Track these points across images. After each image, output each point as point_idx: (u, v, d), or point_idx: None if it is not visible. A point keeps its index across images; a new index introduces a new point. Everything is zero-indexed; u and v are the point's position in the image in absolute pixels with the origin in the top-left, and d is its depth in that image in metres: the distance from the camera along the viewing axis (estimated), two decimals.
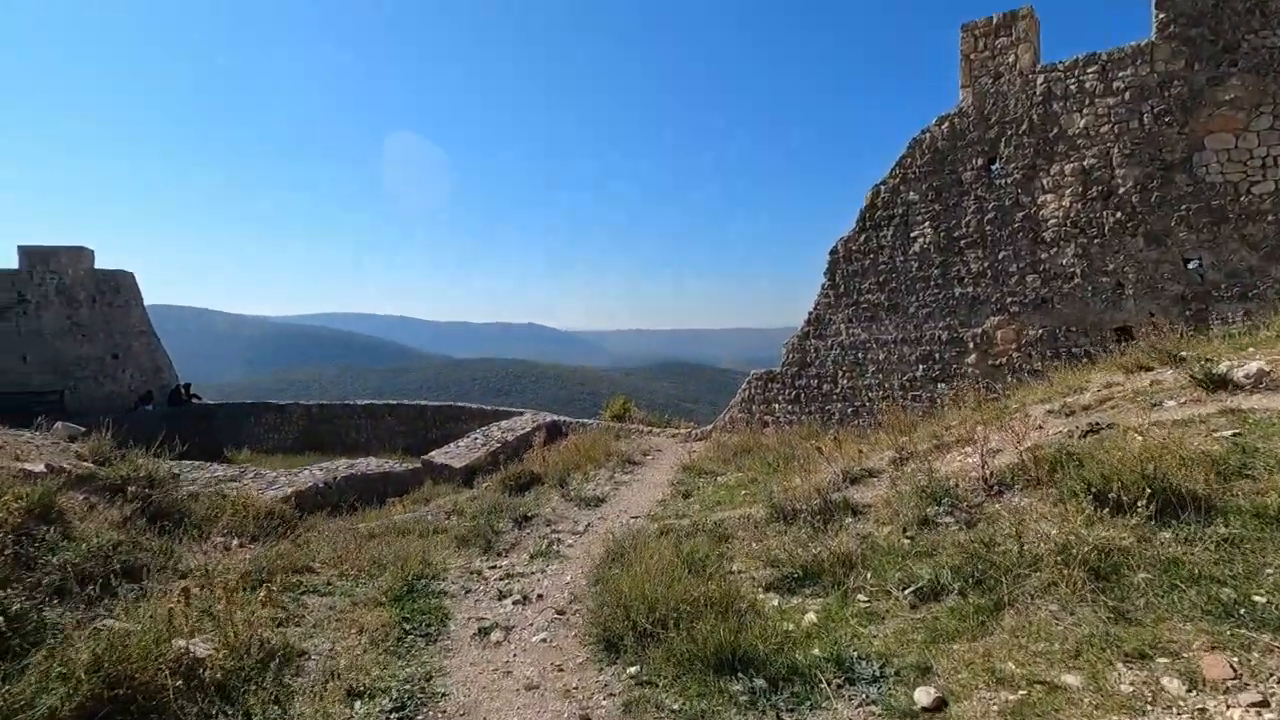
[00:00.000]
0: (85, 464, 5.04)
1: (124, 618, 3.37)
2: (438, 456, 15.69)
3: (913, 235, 12.23)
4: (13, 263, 23.29)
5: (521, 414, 19.60)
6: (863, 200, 12.86)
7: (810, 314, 13.48)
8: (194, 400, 24.55)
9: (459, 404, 20.62)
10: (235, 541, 5.19)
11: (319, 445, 21.93)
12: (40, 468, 4.69)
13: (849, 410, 12.95)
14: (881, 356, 12.56)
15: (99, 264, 24.36)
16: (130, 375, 24.03)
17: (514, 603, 4.79)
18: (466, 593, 5.07)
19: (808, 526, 5.00)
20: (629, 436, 13.92)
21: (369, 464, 13.49)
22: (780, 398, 13.91)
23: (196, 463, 13.47)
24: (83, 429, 5.74)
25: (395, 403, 21.36)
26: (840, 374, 13.07)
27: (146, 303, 25.25)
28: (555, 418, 18.91)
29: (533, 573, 5.47)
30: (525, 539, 6.75)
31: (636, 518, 6.88)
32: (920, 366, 12.15)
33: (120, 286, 24.25)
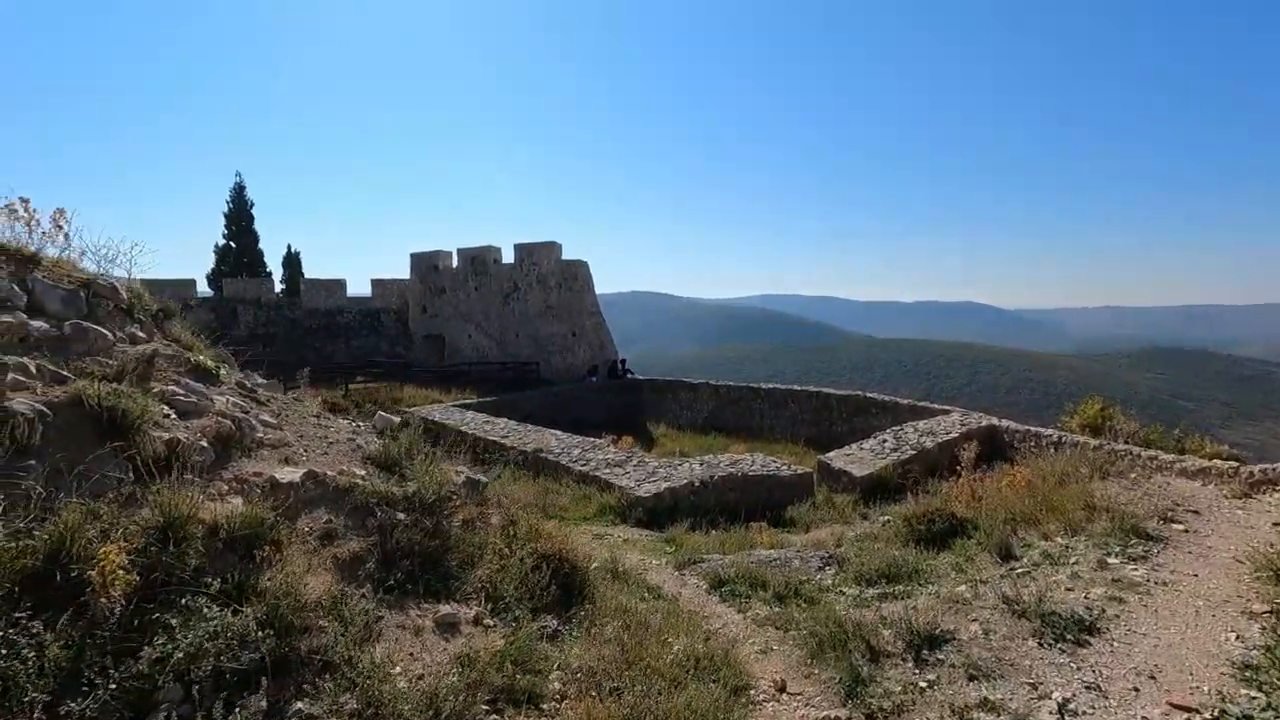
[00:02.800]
0: (355, 474, 4.00)
1: None
2: (836, 459, 13.13)
3: None
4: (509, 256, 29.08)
5: (947, 413, 15.57)
6: None
7: None
8: (628, 375, 27.11)
9: (869, 395, 17.63)
10: (474, 611, 3.66)
11: (724, 426, 21.59)
12: (296, 476, 3.75)
13: None
14: None
15: (564, 256, 28.69)
16: (583, 350, 27.76)
17: None
18: None
19: None
20: (1121, 469, 9.01)
21: (753, 462, 11.76)
22: None
23: (594, 441, 13.77)
24: (397, 419, 4.90)
25: (799, 389, 19.53)
26: None
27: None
28: (994, 421, 14.39)
29: None
30: (923, 699, 3.66)
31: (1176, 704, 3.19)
32: None
33: (577, 274, 28.12)
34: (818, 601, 5.52)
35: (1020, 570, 5.16)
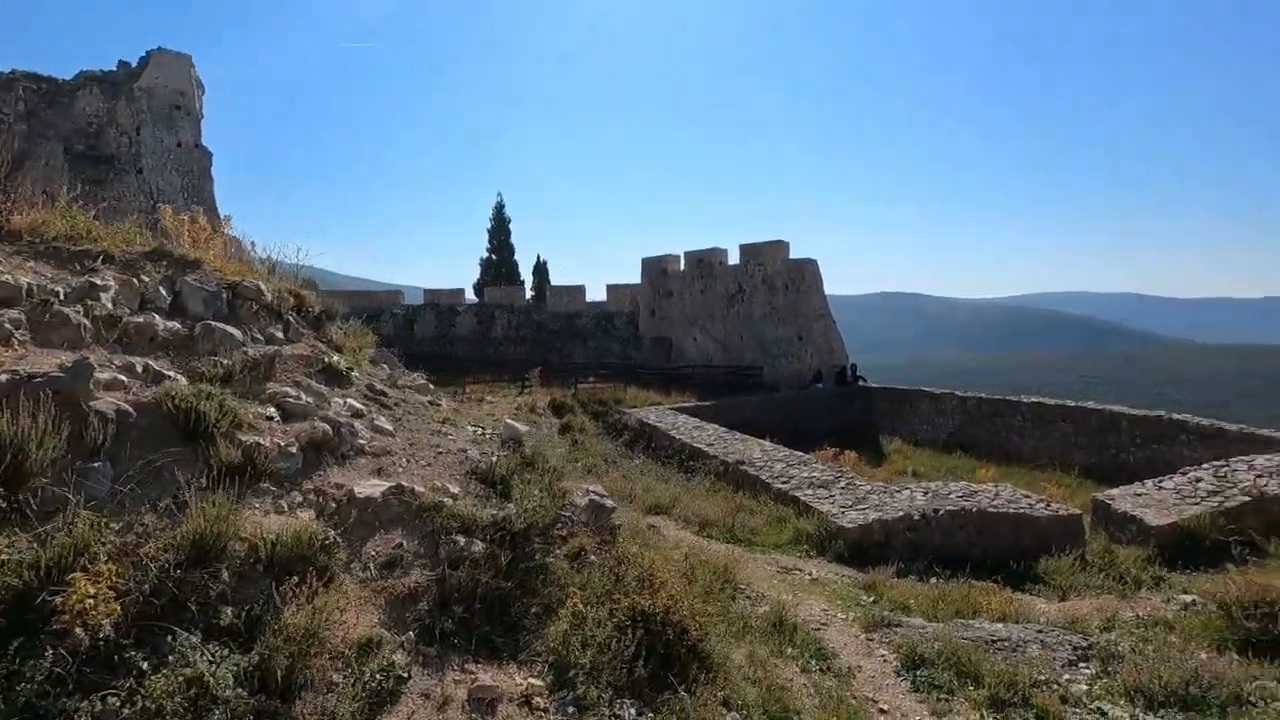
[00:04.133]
0: (448, 490, 3.59)
1: None
2: (1121, 499, 10.15)
3: None
4: (734, 257, 28.40)
5: None
6: None
7: None
8: (860, 381, 24.74)
9: (1175, 416, 13.51)
10: (527, 683, 2.88)
11: (972, 446, 18.46)
12: (378, 491, 3.42)
13: None
14: None
15: (791, 255, 27.21)
16: (810, 354, 25.99)
17: None
18: None
19: None
20: None
21: (996, 495, 9.46)
22: None
23: (801, 456, 12.37)
24: (525, 428, 4.43)
25: (1072, 404, 15.77)
26: None
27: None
28: None
29: None
30: None
31: None
32: None
33: (805, 274, 26.43)
34: None
35: None
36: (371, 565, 3.26)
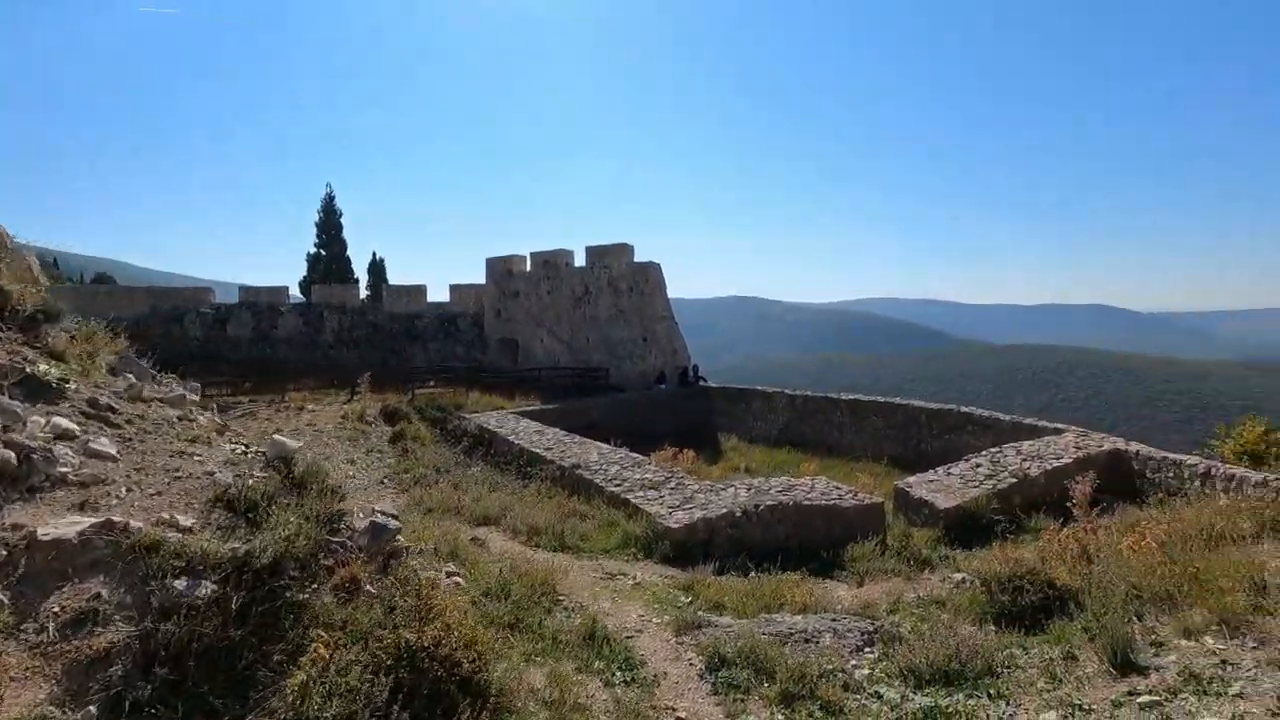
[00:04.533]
0: (177, 523, 2.98)
1: None
2: (917, 486, 11.21)
3: None
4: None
5: (1059, 433, 13.11)
6: None
7: None
8: (701, 381, 25.63)
9: (965, 409, 15.30)
10: None
11: (800, 441, 19.71)
12: (73, 532, 2.78)
13: None
14: None
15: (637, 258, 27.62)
16: (654, 355, 26.53)
17: None
18: None
19: None
20: None
21: (811, 488, 10.06)
22: None
23: (636, 458, 12.47)
24: (296, 444, 3.84)
25: (883, 400, 17.34)
26: None
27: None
28: (1119, 445, 11.90)
29: None
30: None
31: None
32: None
33: (649, 277, 26.94)
34: (840, 711, 3.98)
35: (1146, 699, 3.40)
36: (51, 625, 2.62)
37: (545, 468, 12.45)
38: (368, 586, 3.67)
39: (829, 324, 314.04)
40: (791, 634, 5.10)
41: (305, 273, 33.89)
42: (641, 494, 9.92)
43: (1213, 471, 9.91)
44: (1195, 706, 3.23)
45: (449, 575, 5.28)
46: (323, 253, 33.91)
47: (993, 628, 5.10)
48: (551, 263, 29.07)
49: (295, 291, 31.92)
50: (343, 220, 34.21)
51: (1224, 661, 3.65)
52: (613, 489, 10.36)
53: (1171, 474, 10.59)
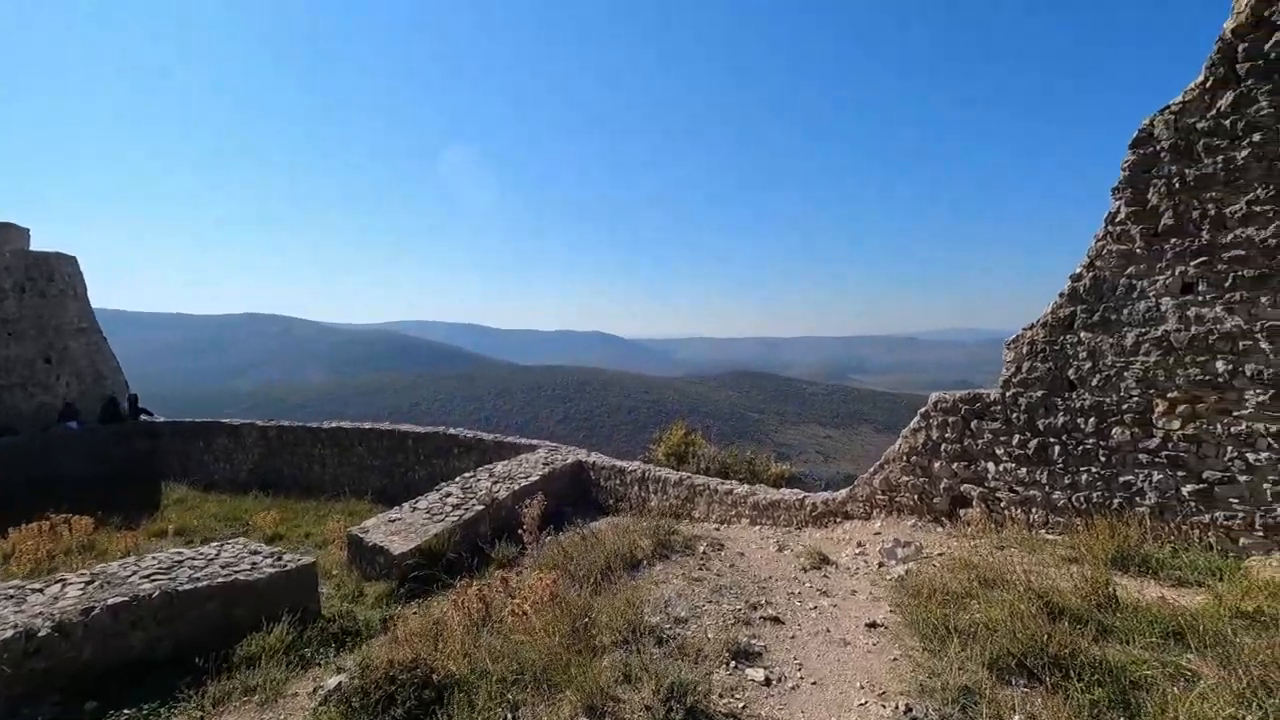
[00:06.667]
0: None
1: None
2: (374, 530, 9.38)
3: None
4: None
5: (533, 449, 13.08)
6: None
7: (1079, 276, 6.34)
8: (142, 415, 19.33)
9: (450, 431, 14.33)
10: None
11: (274, 481, 16.16)
12: None
13: (1171, 487, 5.76)
14: (1274, 370, 5.32)
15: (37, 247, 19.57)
16: (65, 383, 19.03)
17: None
18: None
19: None
20: (698, 507, 7.14)
21: (215, 557, 7.22)
22: (1000, 448, 6.84)
23: None
24: None
25: (368, 427, 15.28)
26: (1154, 403, 5.89)
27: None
28: (581, 457, 12.33)
29: None
30: None
31: None
32: None
33: (56, 274, 19.30)
34: None
35: None
36: None
37: None
38: None
39: (369, 345, 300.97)
40: None
41: None
42: None
43: (647, 475, 10.71)
44: None
45: None
46: None
47: None
48: None
49: None
50: None
51: None
52: None
53: (618, 480, 11.20)
